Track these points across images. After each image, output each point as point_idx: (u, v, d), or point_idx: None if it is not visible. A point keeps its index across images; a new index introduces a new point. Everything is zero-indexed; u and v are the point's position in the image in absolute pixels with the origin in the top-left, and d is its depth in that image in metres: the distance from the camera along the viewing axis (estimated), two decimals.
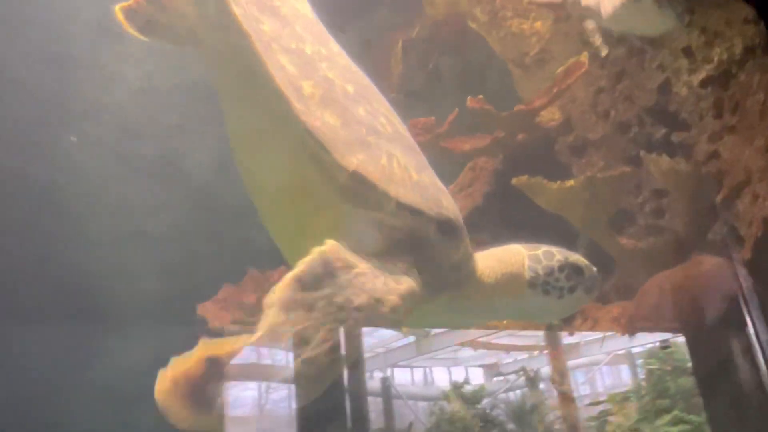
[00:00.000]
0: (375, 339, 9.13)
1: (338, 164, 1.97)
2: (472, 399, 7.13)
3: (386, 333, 8.89)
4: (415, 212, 1.99)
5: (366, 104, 2.18)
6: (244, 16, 2.06)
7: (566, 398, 6.38)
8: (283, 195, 2.21)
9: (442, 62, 4.77)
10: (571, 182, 3.41)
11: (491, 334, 7.26)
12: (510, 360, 7.46)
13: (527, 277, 2.17)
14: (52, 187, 4.49)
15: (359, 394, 5.58)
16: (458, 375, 7.33)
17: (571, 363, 7.37)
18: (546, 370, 7.41)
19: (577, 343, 7.31)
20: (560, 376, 6.56)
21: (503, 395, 7.18)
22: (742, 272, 3.17)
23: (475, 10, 4.47)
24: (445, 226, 2.05)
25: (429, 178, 2.15)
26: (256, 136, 2.26)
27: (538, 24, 4.27)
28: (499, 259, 2.24)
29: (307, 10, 2.46)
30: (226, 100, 2.35)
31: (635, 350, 7.43)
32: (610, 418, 6.73)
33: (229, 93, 2.29)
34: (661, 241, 3.35)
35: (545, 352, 6.99)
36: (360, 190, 1.98)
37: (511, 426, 6.98)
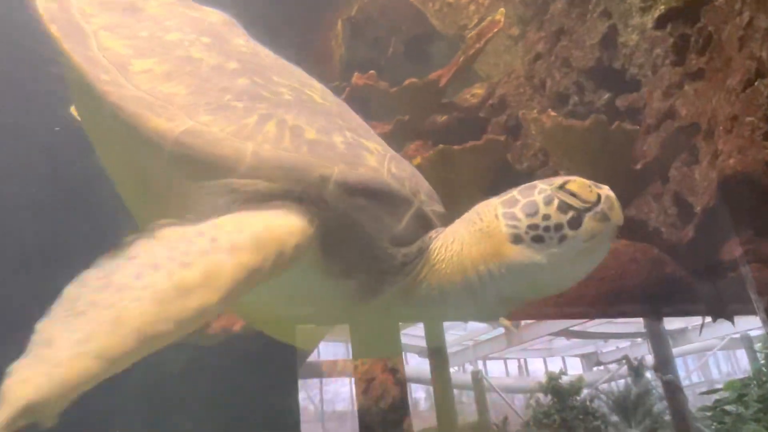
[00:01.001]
0: (463, 332, 9.01)
1: (159, 129, 1.63)
2: (570, 390, 6.83)
3: (474, 326, 8.77)
4: (288, 170, 1.57)
5: (257, 77, 1.86)
6: (53, 11, 1.91)
7: (673, 387, 5.96)
8: (129, 187, 1.95)
9: (386, 40, 4.38)
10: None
11: (585, 321, 6.93)
12: (611, 348, 7.07)
13: (504, 228, 1.57)
14: None
15: (445, 388, 5.55)
16: (554, 366, 7.07)
17: (679, 349, 6.87)
18: (651, 358, 6.97)
19: (684, 329, 6.79)
20: (665, 363, 6.14)
21: (604, 385, 6.82)
22: (668, 262, 2.77)
23: None
24: (357, 189, 1.59)
25: (345, 137, 1.69)
26: (93, 128, 2.07)
27: None
28: (463, 220, 1.72)
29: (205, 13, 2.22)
30: (74, 95, 2.23)
31: (754, 333, 6.79)
32: (728, 407, 6.20)
33: (73, 85, 2.09)
34: None
35: (647, 339, 6.58)
36: (197, 155, 1.60)
37: (614, 418, 6.61)
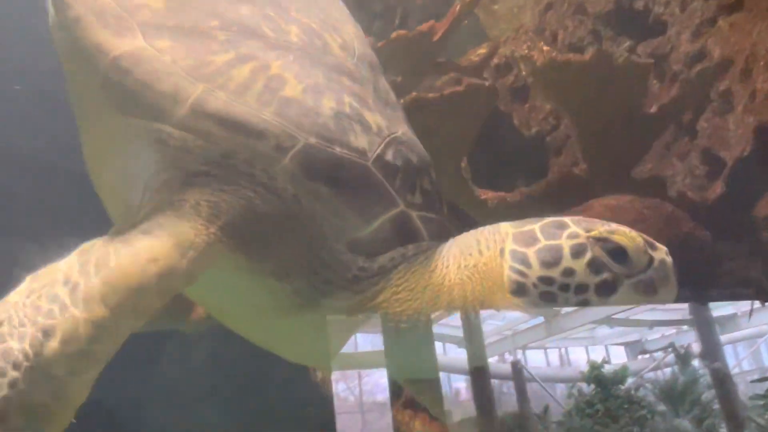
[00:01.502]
0: (501, 321, 8.96)
1: (99, 43, 1.15)
2: (613, 379, 6.69)
3: (513, 315, 8.69)
4: (235, 129, 1.17)
5: (270, 8, 1.29)
6: None
7: (721, 375, 5.78)
8: (83, 131, 1.47)
9: (393, 10, 4.09)
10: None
11: (629, 309, 6.76)
12: (656, 336, 6.89)
13: (508, 272, 1.08)
14: None
15: (483, 378, 5.53)
16: (597, 355, 6.93)
17: (727, 336, 6.65)
18: (698, 345, 6.76)
19: (733, 315, 6.55)
20: (712, 351, 5.95)
21: (650, 374, 6.65)
22: (685, 220, 2.44)
23: None
24: (321, 173, 1.15)
25: (339, 103, 1.19)
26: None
27: None
28: (459, 244, 1.17)
29: None
30: None
31: None
32: None
33: None
34: (539, 188, 2.54)
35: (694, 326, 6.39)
36: (130, 85, 1.16)
37: (661, 407, 6.44)
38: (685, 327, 6.73)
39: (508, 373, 6.90)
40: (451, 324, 6.93)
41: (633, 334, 7.20)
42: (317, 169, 1.15)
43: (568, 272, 1.00)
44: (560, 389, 7.06)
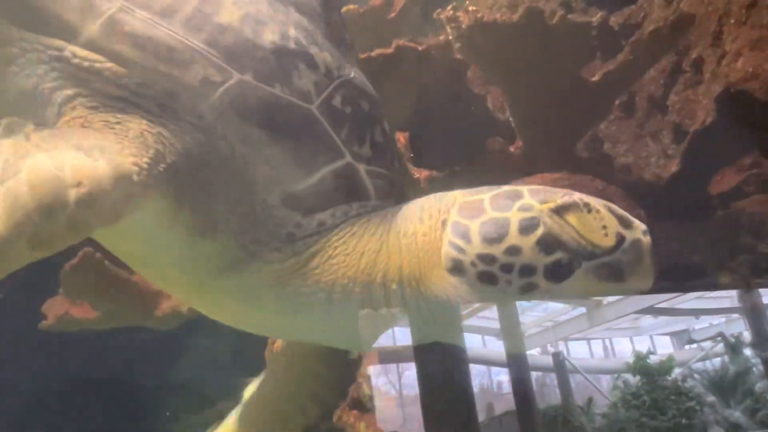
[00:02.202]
0: (540, 312, 8.80)
1: None
2: (660, 370, 6.54)
3: (554, 306, 8.54)
4: (157, 56, 0.95)
5: None
6: None
7: None
8: None
9: None
10: None
11: (674, 297, 6.58)
12: (704, 325, 6.67)
13: (446, 248, 0.93)
14: None
15: (521, 370, 5.46)
16: (642, 345, 6.76)
17: None
18: (749, 334, 6.53)
19: None
20: (764, 340, 5.74)
21: (698, 364, 6.46)
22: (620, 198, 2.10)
23: None
24: (255, 113, 0.96)
25: (283, 37, 1.03)
26: None
27: None
28: (404, 211, 1.02)
29: None
30: None
31: None
32: None
33: None
34: (465, 166, 2.03)
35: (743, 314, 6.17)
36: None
37: (710, 398, 6.26)
38: (734, 315, 6.51)
39: (550, 364, 6.81)
40: (489, 316, 6.86)
41: (679, 324, 7.02)
42: (252, 109, 0.95)
43: (513, 250, 0.87)
44: (605, 381, 6.93)
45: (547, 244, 0.86)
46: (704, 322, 7.38)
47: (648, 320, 8.03)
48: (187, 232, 0.99)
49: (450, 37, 1.85)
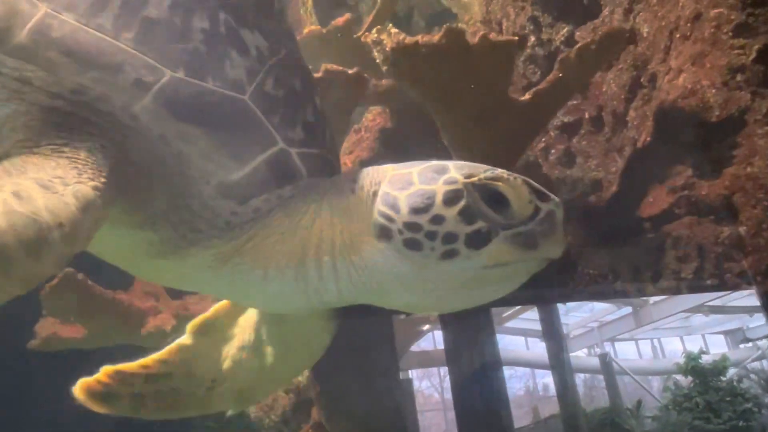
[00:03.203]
0: (585, 313, 8.46)
1: None
2: (713, 371, 6.24)
3: (599, 306, 8.17)
4: (86, 61, 1.04)
5: None
6: None
7: None
8: None
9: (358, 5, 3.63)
10: None
11: (725, 295, 6.27)
12: (759, 323, 6.32)
13: (375, 216, 1.11)
14: None
15: (565, 372, 5.39)
16: (693, 345, 6.49)
17: None
18: None
19: None
20: None
21: (755, 364, 6.12)
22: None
23: None
24: (189, 112, 1.09)
25: (213, 24, 1.13)
26: None
27: None
28: (336, 184, 1.21)
29: None
30: None
31: None
32: None
33: None
34: None
35: None
36: None
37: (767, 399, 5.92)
38: None
39: (597, 366, 6.68)
40: (531, 318, 6.77)
41: (732, 322, 6.68)
42: (185, 107, 1.09)
43: (437, 219, 1.06)
44: (655, 382, 6.72)
45: (469, 214, 1.08)
46: (760, 319, 6.96)
47: (699, 318, 7.63)
48: (129, 227, 1.18)
49: (377, 60, 1.87)
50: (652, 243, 1.81)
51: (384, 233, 1.12)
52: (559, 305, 5.73)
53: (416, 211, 1.10)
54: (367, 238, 1.15)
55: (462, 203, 1.09)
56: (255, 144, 1.17)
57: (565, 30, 2.54)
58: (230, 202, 1.17)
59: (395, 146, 2.50)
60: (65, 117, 1.12)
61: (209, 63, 1.14)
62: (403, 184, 1.13)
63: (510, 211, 1.09)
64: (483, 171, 1.15)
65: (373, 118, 2.77)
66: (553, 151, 2.55)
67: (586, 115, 2.45)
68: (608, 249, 1.95)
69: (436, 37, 1.82)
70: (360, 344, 3.22)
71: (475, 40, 1.82)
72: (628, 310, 6.73)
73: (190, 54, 1.12)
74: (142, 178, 1.13)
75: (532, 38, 2.69)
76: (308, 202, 1.22)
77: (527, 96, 1.92)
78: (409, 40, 1.87)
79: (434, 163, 1.18)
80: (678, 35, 1.95)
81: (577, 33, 2.48)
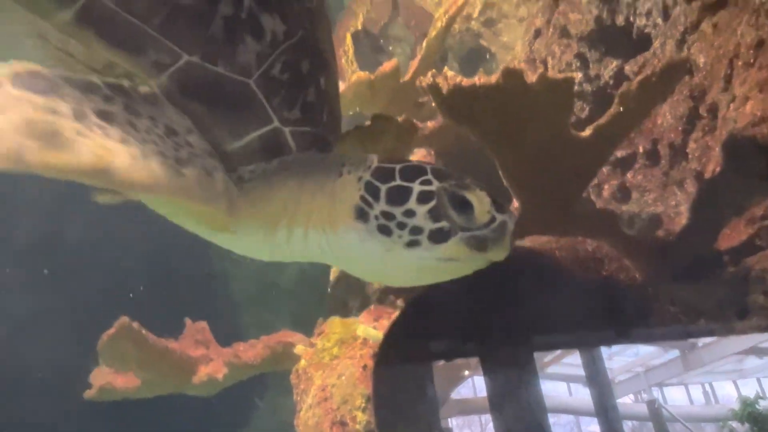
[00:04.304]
0: (630, 357, 8.10)
1: None
2: None
3: (645, 350, 7.81)
4: (116, 40, 1.21)
5: None
6: None
7: None
8: None
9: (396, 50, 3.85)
10: None
11: None
12: None
13: (356, 200, 1.28)
14: None
15: (613, 420, 5.16)
16: (748, 389, 6.19)
17: None
18: None
19: None
20: None
21: None
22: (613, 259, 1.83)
23: None
24: (196, 92, 1.23)
25: (233, 11, 1.27)
26: None
27: None
28: (327, 165, 1.38)
29: None
30: None
31: None
32: None
33: None
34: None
35: None
36: None
37: None
38: None
39: (645, 413, 6.40)
40: (573, 363, 6.55)
41: None
42: (194, 87, 1.26)
43: (409, 213, 1.25)
44: (708, 429, 6.39)
45: (436, 213, 1.26)
46: None
47: (753, 361, 7.27)
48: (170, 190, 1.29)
49: (432, 104, 1.89)
50: (734, 277, 1.74)
51: (362, 216, 1.28)
52: (603, 349, 5.54)
53: (393, 202, 1.27)
54: (345, 217, 1.30)
55: (432, 203, 1.27)
56: (252, 122, 1.31)
57: (613, 65, 2.54)
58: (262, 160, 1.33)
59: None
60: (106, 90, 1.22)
61: (224, 48, 1.29)
62: (386, 177, 1.30)
63: (471, 216, 1.26)
64: (455, 178, 1.32)
65: (417, 160, 2.81)
66: (606, 186, 2.51)
67: (640, 149, 2.40)
68: (686, 285, 1.88)
69: (494, 78, 1.82)
70: (400, 394, 3.17)
71: (534, 79, 1.82)
72: (676, 353, 6.48)
73: (208, 39, 1.28)
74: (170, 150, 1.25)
75: (580, 75, 2.70)
76: (291, 176, 1.35)
77: (588, 132, 1.90)
78: (466, 82, 1.88)
79: (414, 163, 1.35)
80: (740, 63, 1.92)
81: (627, 67, 2.47)
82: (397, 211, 1.26)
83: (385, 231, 1.27)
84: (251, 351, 2.74)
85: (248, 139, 1.30)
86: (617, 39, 2.58)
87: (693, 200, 2.03)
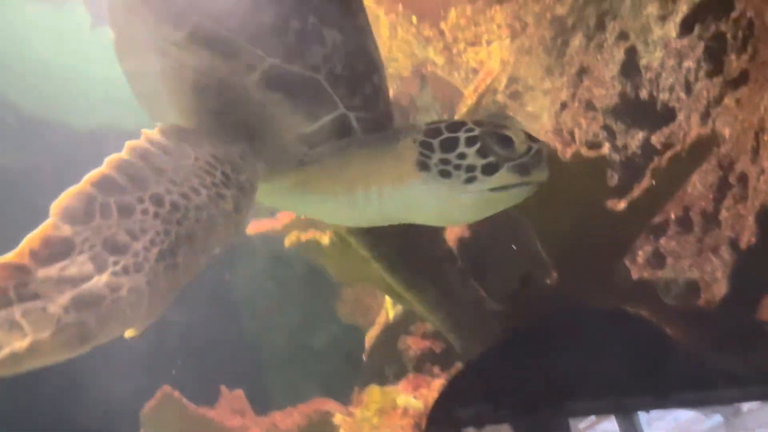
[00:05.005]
0: (669, 423, 7.72)
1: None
2: None
3: (683, 415, 7.43)
4: (215, 46, 1.57)
5: None
6: None
7: None
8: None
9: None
10: None
11: None
12: None
13: (416, 154, 1.55)
14: None
15: None
16: None
17: None
18: None
19: None
20: None
21: None
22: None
23: (429, 51, 3.84)
24: (279, 86, 1.57)
25: (303, 23, 1.63)
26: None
27: (494, 47, 3.43)
28: (383, 137, 1.65)
29: None
30: None
31: None
32: None
33: None
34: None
35: None
36: (138, 8, 1.63)
37: None
38: None
39: None
40: (611, 429, 6.29)
41: None
42: (277, 83, 1.60)
43: (462, 156, 1.53)
44: None
45: (483, 152, 1.53)
46: None
47: None
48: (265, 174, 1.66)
49: None
50: None
51: (425, 167, 1.54)
52: (640, 414, 5.34)
53: (446, 150, 1.54)
54: (411, 171, 1.56)
55: (478, 144, 1.53)
56: (324, 108, 1.62)
57: (640, 136, 2.67)
58: (303, 147, 1.63)
59: (473, 254, 2.61)
60: (204, 93, 1.64)
61: (296, 52, 1.64)
62: (436, 134, 1.56)
63: (512, 148, 1.52)
64: (492, 124, 1.57)
65: (450, 228, 2.93)
66: (640, 252, 2.53)
67: (672, 216, 2.44)
68: (728, 351, 1.90)
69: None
70: None
71: (568, 156, 1.98)
72: (719, 418, 6.17)
73: (285, 46, 1.63)
74: (249, 131, 1.64)
75: (607, 145, 2.83)
76: (360, 149, 1.63)
77: (622, 205, 2.00)
78: None
79: (455, 119, 1.62)
80: (766, 137, 1.99)
81: (653, 138, 2.56)
82: (452, 156, 1.53)
83: (445, 174, 1.53)
84: (288, 420, 2.76)
85: (322, 122, 1.61)
86: (642, 112, 2.70)
87: (731, 269, 2.07)
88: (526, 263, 2.23)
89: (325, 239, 2.45)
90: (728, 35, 2.36)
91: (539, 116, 3.44)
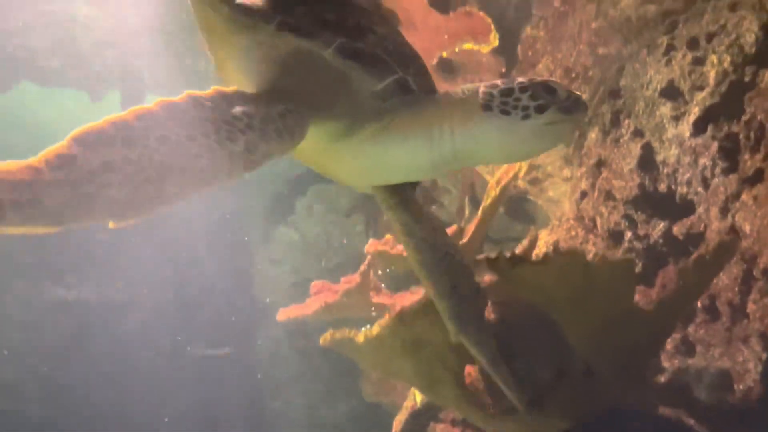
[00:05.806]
0: None
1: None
2: None
3: None
4: (298, 33, 2.04)
5: None
6: None
7: None
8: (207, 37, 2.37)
9: None
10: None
11: None
12: None
13: (480, 98, 1.93)
14: None
15: None
16: None
17: None
18: None
19: None
20: None
21: None
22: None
23: None
24: (350, 56, 2.03)
25: (358, 22, 2.19)
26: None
27: None
28: (448, 92, 2.07)
29: None
30: None
31: None
32: None
33: None
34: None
35: None
36: (242, 11, 2.08)
37: None
38: None
39: None
40: None
41: None
42: (348, 54, 2.02)
43: (518, 99, 1.89)
44: None
45: (535, 96, 1.88)
46: None
47: None
48: (322, 124, 1.98)
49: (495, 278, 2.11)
50: None
51: (488, 107, 1.89)
52: None
53: (504, 95, 1.88)
54: (475, 111, 1.91)
55: (530, 91, 1.87)
56: (387, 72, 2.03)
57: (661, 226, 2.77)
58: (377, 101, 2.02)
59: (499, 339, 2.67)
60: (289, 67, 2.06)
61: (357, 37, 2.07)
62: (494, 85, 1.91)
63: (556, 95, 1.87)
64: (539, 77, 1.92)
65: None
66: (669, 340, 2.60)
67: (699, 304, 2.52)
68: None
69: (558, 260, 2.17)
70: None
71: (594, 260, 2.18)
72: None
73: (348, 32, 2.07)
74: (332, 95, 2.03)
75: (629, 233, 2.90)
76: (426, 101, 2.02)
77: (651, 306, 2.15)
78: (526, 256, 2.37)
79: (508, 78, 1.95)
80: None
81: (675, 228, 2.65)
82: (509, 99, 1.88)
83: (505, 112, 1.88)
84: None
85: (387, 81, 2.01)
86: (662, 203, 2.79)
87: (763, 366, 2.15)
88: (555, 357, 2.32)
89: (360, 337, 2.52)
90: (741, 135, 2.47)
91: (560, 202, 3.54)
